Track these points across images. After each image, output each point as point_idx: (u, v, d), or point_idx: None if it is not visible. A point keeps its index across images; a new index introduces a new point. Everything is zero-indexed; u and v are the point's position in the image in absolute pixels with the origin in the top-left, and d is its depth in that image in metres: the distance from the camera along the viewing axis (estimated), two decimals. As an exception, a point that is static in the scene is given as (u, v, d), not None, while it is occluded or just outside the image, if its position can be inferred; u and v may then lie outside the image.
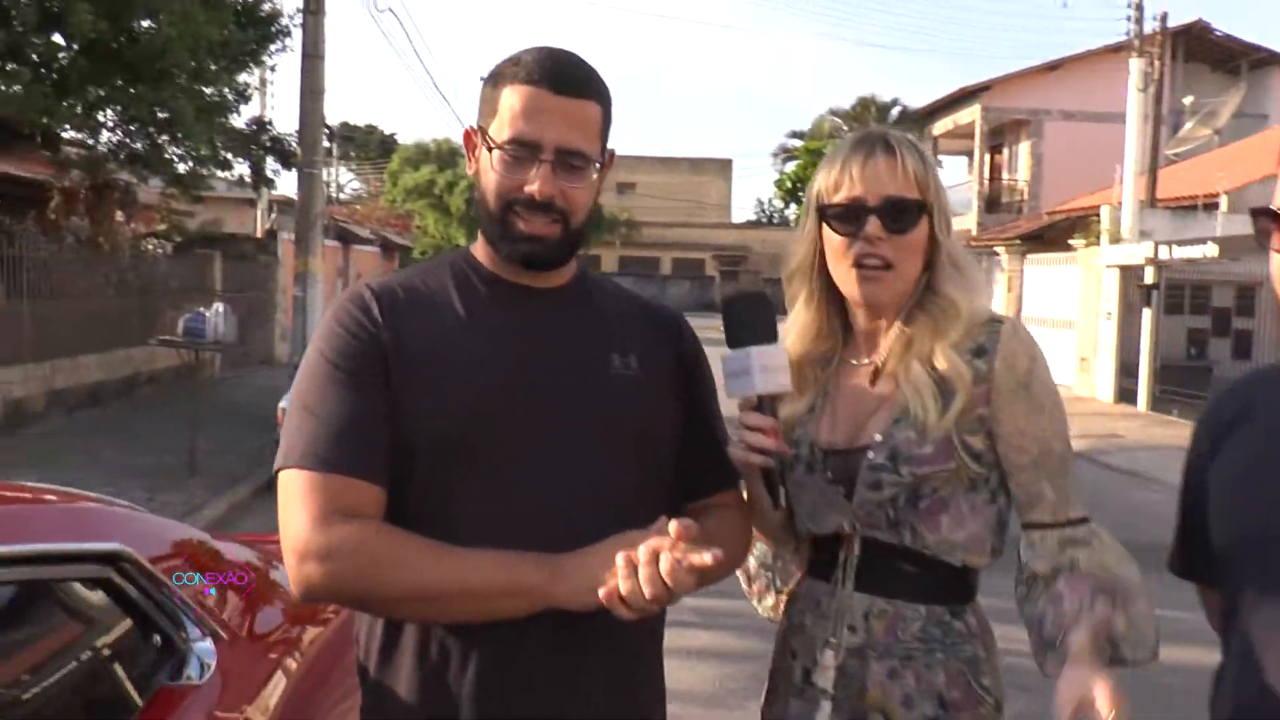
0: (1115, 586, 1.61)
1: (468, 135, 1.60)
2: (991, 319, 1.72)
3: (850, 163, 1.69)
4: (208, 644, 1.95)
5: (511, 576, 1.42)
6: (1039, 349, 1.71)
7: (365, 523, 1.42)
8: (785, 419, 1.75)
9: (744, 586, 1.97)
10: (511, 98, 1.51)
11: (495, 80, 1.55)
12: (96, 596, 1.91)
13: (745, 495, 1.73)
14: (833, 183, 1.71)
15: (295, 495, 1.43)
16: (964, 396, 1.65)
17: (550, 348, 1.56)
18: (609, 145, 1.59)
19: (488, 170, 1.54)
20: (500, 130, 1.51)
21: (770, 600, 1.93)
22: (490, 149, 1.52)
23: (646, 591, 1.32)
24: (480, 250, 1.63)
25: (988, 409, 1.67)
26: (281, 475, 1.46)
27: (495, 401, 1.49)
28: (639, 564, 1.33)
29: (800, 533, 1.79)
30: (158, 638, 1.91)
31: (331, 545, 1.40)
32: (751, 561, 1.93)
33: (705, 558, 1.32)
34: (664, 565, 1.32)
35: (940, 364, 1.66)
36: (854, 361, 1.79)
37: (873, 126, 1.81)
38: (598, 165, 1.55)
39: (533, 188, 1.50)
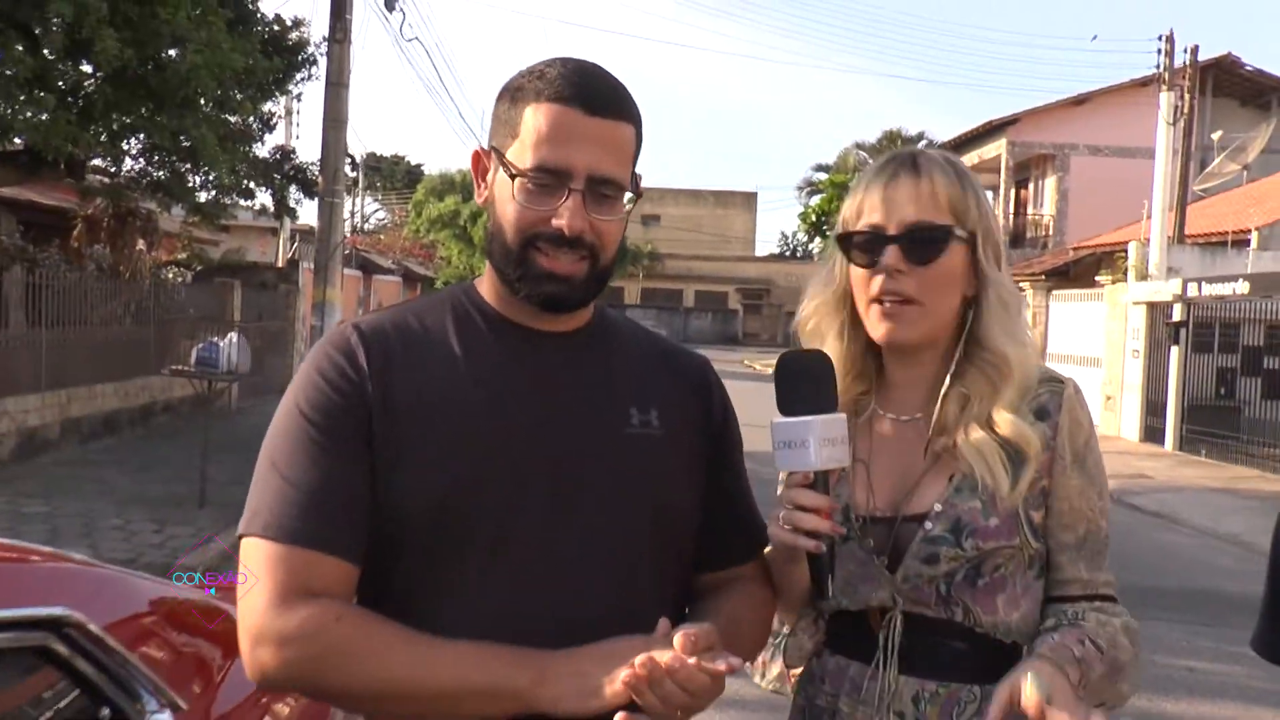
0: (1112, 653, 1.46)
1: (477, 158, 1.42)
2: (1050, 376, 1.56)
3: (873, 186, 1.53)
4: (165, 716, 1.79)
5: (490, 677, 1.24)
6: (1089, 413, 1.57)
7: (329, 605, 1.26)
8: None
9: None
10: (537, 118, 1.32)
11: (515, 96, 1.36)
12: (37, 665, 1.76)
13: (769, 565, 1.56)
14: (855, 209, 1.55)
15: (255, 568, 1.28)
16: (1035, 466, 1.49)
17: (562, 402, 1.39)
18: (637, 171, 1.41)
19: (506, 199, 1.35)
20: (522, 154, 1.33)
21: (776, 671, 1.75)
22: (512, 175, 1.33)
23: (668, 712, 1.19)
24: (487, 287, 1.45)
25: (1049, 480, 1.51)
26: (243, 543, 1.31)
27: (498, 466, 1.32)
28: (647, 682, 1.18)
29: (826, 606, 1.61)
30: (107, 710, 1.74)
31: (288, 630, 1.24)
32: None
33: (720, 665, 1.18)
34: (686, 681, 1.18)
35: (1005, 430, 1.49)
36: (890, 416, 1.60)
37: (905, 147, 1.64)
38: (630, 195, 1.37)
39: (561, 221, 1.32)
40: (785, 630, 1.71)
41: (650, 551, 1.40)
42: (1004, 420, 1.49)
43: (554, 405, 1.38)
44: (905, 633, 1.51)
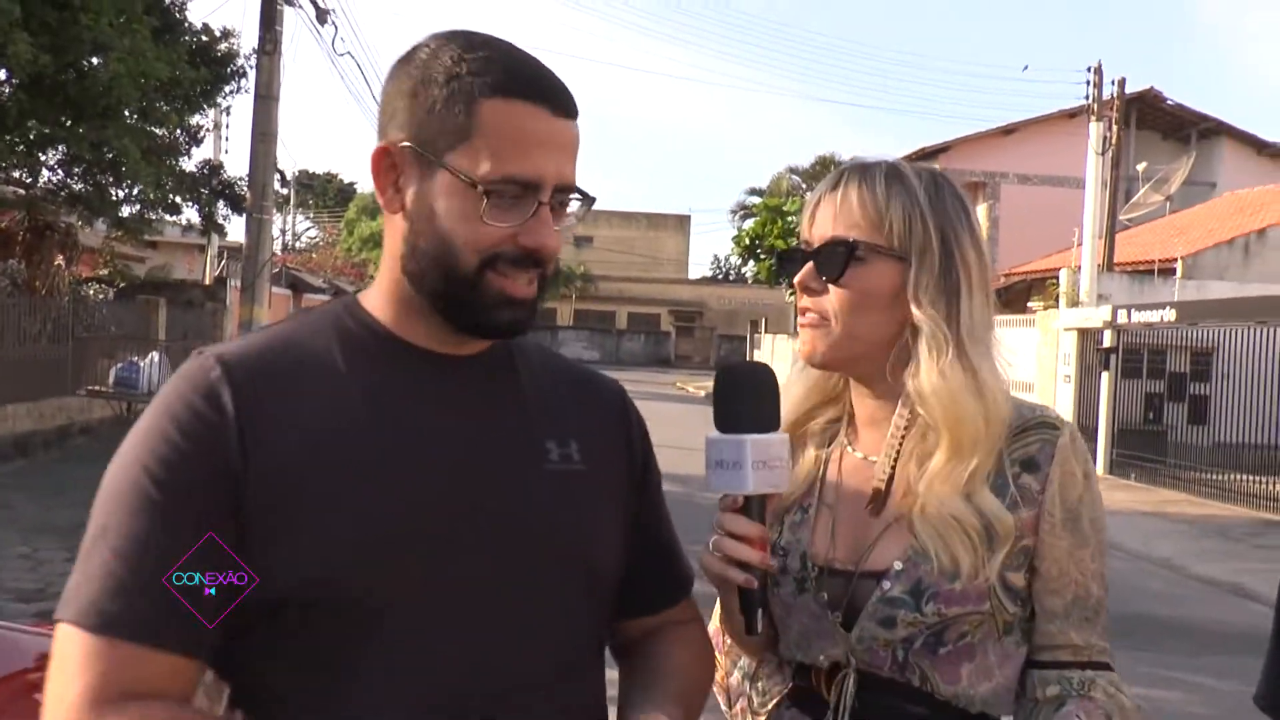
0: None
1: (385, 157, 1.14)
2: (1043, 421, 1.38)
3: (808, 205, 1.45)
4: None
5: None
6: (1091, 463, 1.39)
7: (148, 712, 1.01)
8: (772, 517, 1.42)
9: (723, 706, 1.62)
10: (499, 117, 1.10)
11: (456, 86, 1.11)
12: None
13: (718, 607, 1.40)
14: (800, 228, 1.46)
15: (67, 661, 1.02)
16: (1007, 544, 1.33)
17: (477, 439, 1.17)
18: None
19: (458, 215, 1.11)
20: (479, 161, 1.10)
21: None
22: (483, 191, 1.10)
23: None
24: (378, 303, 1.20)
25: (1034, 539, 1.35)
26: (57, 630, 1.05)
27: (411, 522, 1.10)
28: None
29: (787, 655, 1.46)
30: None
31: None
32: (735, 675, 1.58)
33: None
34: None
35: (959, 514, 1.31)
36: (858, 454, 1.45)
37: (859, 158, 1.46)
38: (579, 200, 1.18)
39: (532, 240, 1.12)
40: (759, 682, 1.55)
41: (583, 603, 1.22)
42: (955, 503, 1.32)
43: (469, 443, 1.16)
44: (860, 692, 1.36)
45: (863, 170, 1.40)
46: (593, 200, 1.19)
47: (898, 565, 1.33)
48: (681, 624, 1.37)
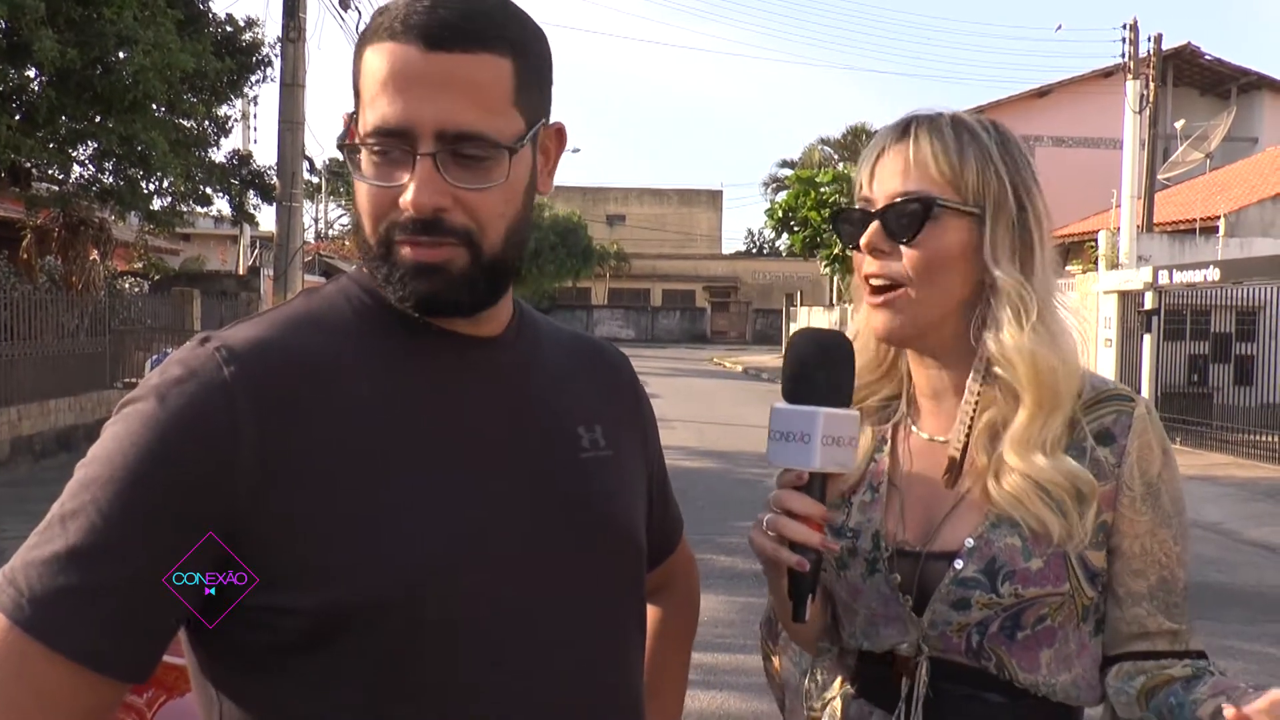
0: None
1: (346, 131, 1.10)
2: (1116, 393, 1.31)
3: (866, 160, 1.34)
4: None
5: None
6: (1168, 440, 1.31)
7: None
8: (834, 499, 1.34)
9: (776, 699, 1.55)
10: (371, 64, 1.00)
11: (359, 44, 1.04)
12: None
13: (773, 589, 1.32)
14: (856, 186, 1.36)
15: None
16: (1094, 503, 1.25)
17: (519, 433, 1.08)
18: (548, 116, 1.08)
19: (357, 186, 1.03)
20: (363, 117, 1.01)
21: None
22: (355, 147, 1.02)
23: None
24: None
25: (1111, 514, 1.27)
26: None
27: (473, 537, 1.00)
28: None
29: (848, 646, 1.39)
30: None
31: None
32: (790, 669, 1.50)
33: None
34: None
35: (1045, 474, 1.24)
36: (924, 434, 1.37)
37: (921, 107, 1.36)
38: (512, 151, 1.01)
39: (405, 198, 0.98)
40: (818, 675, 1.46)
41: (638, 595, 1.16)
42: (1039, 460, 1.25)
43: (514, 436, 1.07)
44: (933, 681, 1.28)
45: (930, 121, 1.30)
46: (532, 135, 1.03)
47: (970, 543, 1.26)
48: (675, 578, 1.36)
